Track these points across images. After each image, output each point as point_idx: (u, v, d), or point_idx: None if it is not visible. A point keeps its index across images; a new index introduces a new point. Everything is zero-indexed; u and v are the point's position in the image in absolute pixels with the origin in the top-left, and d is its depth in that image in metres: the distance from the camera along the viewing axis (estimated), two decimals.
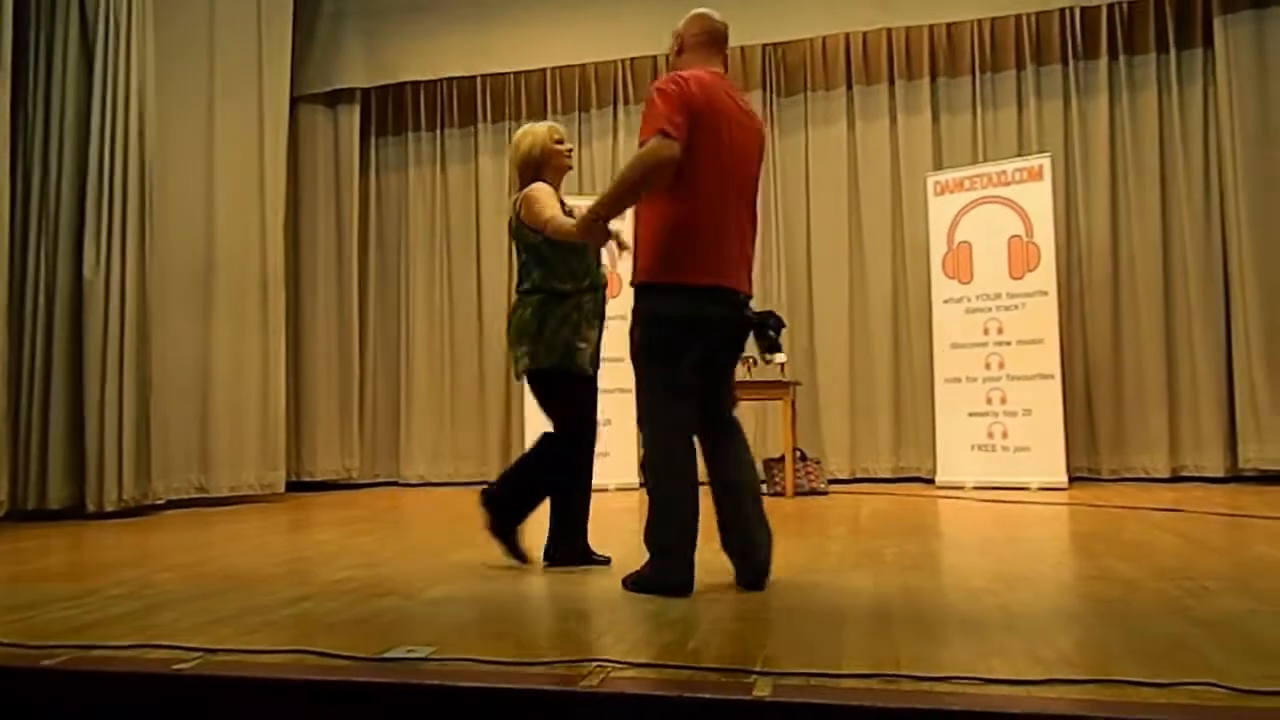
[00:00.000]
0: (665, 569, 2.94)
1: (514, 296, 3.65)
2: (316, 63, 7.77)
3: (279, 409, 6.90)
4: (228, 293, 6.66)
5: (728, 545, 3.05)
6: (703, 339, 2.99)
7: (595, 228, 3.04)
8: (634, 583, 3.00)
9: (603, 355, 7.21)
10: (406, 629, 2.48)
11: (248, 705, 2.03)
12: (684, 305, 2.95)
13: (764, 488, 3.30)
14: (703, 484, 2.98)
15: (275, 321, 6.94)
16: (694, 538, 2.97)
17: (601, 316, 3.64)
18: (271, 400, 6.85)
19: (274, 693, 2.02)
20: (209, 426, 6.50)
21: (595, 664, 2.02)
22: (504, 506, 3.59)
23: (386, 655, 2.13)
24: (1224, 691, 1.80)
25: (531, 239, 3.51)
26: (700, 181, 2.93)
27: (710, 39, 3.16)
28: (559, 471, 3.57)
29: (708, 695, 1.83)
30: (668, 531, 2.96)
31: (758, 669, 1.99)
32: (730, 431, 3.14)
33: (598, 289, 3.59)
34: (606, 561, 3.54)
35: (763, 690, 1.84)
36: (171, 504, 6.12)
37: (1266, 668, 1.97)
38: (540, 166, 3.60)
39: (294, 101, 7.44)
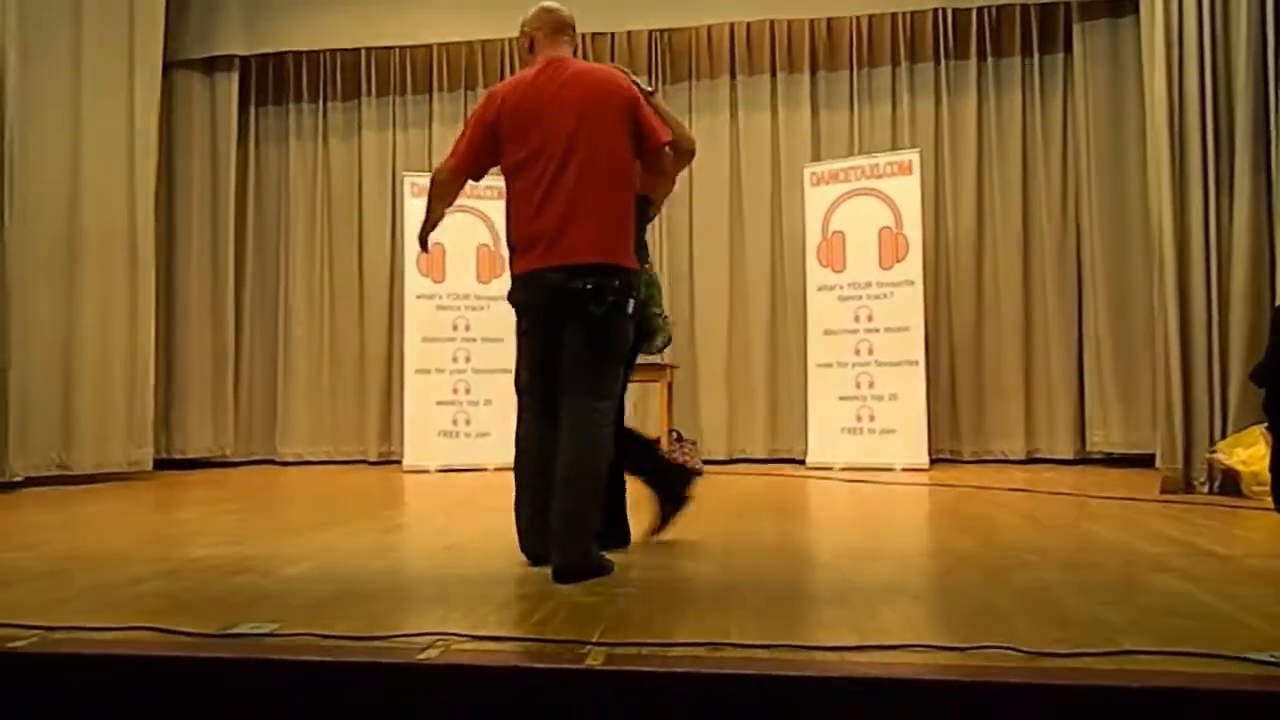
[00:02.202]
0: (520, 538, 3.12)
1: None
2: (193, 27, 7.52)
3: (147, 384, 6.70)
4: (95, 264, 6.42)
5: None
6: (530, 322, 3.12)
7: (423, 236, 3.38)
8: None
9: (481, 336, 7.24)
10: (257, 606, 2.49)
11: (85, 682, 2.02)
12: (515, 293, 3.12)
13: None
14: None
15: (145, 293, 6.72)
16: (528, 511, 3.07)
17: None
18: (140, 375, 6.64)
19: (112, 669, 2.02)
20: (72, 401, 6.27)
21: (436, 637, 2.08)
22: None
23: (229, 631, 2.15)
24: (1016, 654, 1.96)
25: None
26: (516, 181, 3.07)
27: (555, 28, 3.23)
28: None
29: (541, 665, 1.91)
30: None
31: (594, 640, 2.08)
32: (566, 415, 3.01)
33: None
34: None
35: (595, 660, 1.93)
36: (30, 481, 5.90)
37: (1060, 633, 2.16)
38: None
39: (168, 67, 7.19)
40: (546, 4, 3.27)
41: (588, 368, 2.97)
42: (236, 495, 5.54)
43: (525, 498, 3.11)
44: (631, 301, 2.99)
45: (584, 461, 2.92)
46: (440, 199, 3.26)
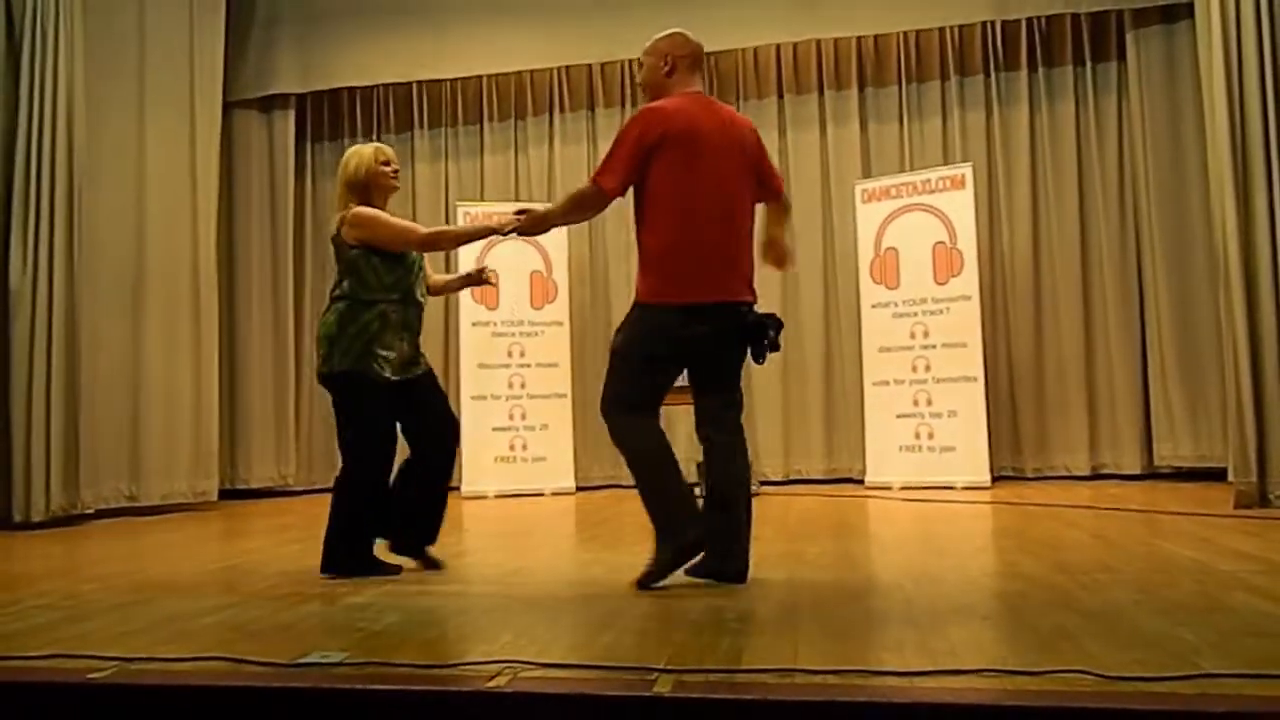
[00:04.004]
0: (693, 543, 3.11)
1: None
2: (250, 67, 7.71)
3: (212, 416, 6.84)
4: (159, 299, 6.59)
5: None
6: (683, 351, 3.22)
7: (534, 230, 3.48)
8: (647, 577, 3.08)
9: (536, 361, 7.29)
10: (325, 635, 2.52)
11: (163, 712, 2.06)
12: (691, 325, 3.15)
13: (696, 490, 3.37)
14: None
15: (208, 328, 6.88)
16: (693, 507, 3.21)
17: (412, 329, 3.67)
18: (204, 408, 6.79)
19: (188, 700, 2.06)
20: (140, 434, 6.43)
21: (504, 665, 2.09)
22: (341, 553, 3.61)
23: (300, 661, 2.18)
24: (1092, 678, 1.92)
25: (349, 253, 3.58)
26: (678, 208, 3.17)
27: (695, 61, 3.35)
28: (354, 484, 3.66)
29: (609, 692, 1.91)
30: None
31: (661, 667, 2.07)
32: (727, 430, 3.31)
33: (409, 302, 3.64)
34: (396, 571, 3.55)
35: (663, 687, 1.93)
36: (101, 513, 6.05)
37: (1137, 655, 2.10)
38: (367, 187, 3.65)
39: (227, 106, 7.38)
40: (685, 31, 3.37)
41: (736, 384, 3.31)
42: (299, 524, 5.62)
43: (685, 492, 3.17)
44: None
45: (748, 466, 3.32)
46: (585, 215, 3.56)
